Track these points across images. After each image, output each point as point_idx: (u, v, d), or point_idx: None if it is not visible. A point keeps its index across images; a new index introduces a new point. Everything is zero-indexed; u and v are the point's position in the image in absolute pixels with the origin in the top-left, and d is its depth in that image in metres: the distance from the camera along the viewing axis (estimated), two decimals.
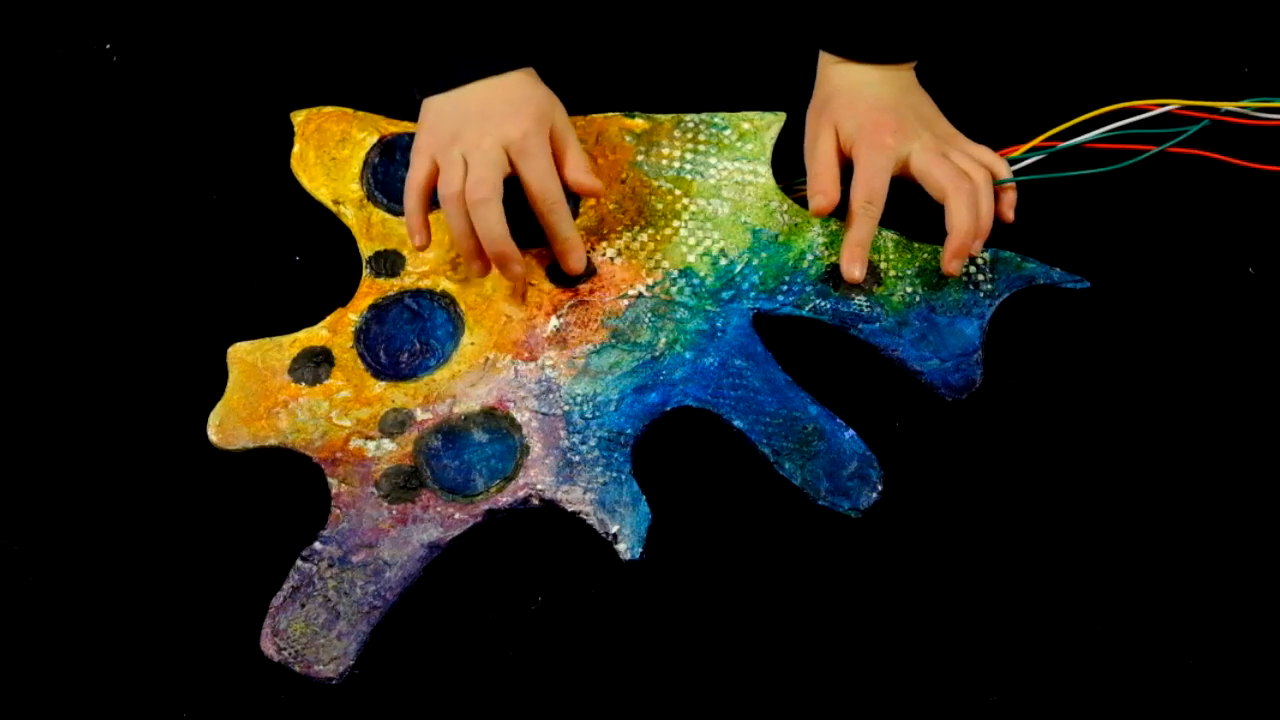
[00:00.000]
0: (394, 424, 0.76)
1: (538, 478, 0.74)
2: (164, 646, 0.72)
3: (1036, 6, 0.91)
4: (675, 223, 0.82)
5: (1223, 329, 0.79)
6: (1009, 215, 0.79)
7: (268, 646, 0.70)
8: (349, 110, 0.86)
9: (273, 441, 0.76)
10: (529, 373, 0.77)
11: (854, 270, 0.77)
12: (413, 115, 0.86)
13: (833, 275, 0.80)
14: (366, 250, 0.82)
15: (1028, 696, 0.69)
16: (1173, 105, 0.85)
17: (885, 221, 0.81)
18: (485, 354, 0.78)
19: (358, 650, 0.70)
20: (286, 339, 0.79)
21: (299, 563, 0.72)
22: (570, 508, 0.73)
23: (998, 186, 0.79)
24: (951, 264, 0.76)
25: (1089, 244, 0.82)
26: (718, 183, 0.83)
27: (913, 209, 0.82)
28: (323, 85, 0.88)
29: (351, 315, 0.80)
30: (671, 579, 0.73)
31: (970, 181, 0.76)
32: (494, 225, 0.75)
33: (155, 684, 0.71)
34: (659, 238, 0.81)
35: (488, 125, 0.76)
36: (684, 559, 0.73)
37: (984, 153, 0.80)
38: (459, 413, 0.76)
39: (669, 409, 0.76)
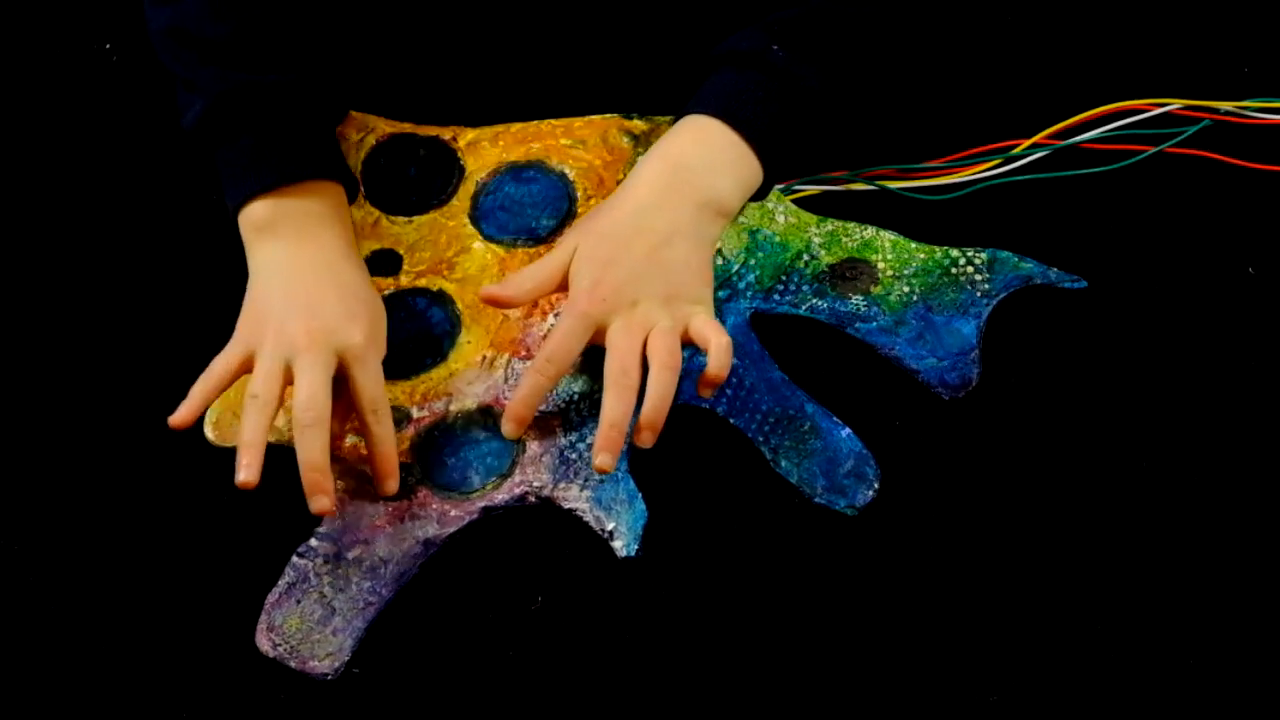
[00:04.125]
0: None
1: (534, 475, 0.74)
2: (160, 642, 0.72)
3: (1036, 6, 0.91)
4: None
5: (1222, 329, 0.79)
6: (705, 393, 0.73)
7: (263, 642, 0.70)
8: (348, 111, 0.87)
9: (269, 439, 0.76)
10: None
11: (508, 427, 0.74)
12: (413, 115, 0.87)
13: (831, 275, 0.80)
14: (364, 249, 0.82)
15: (1027, 696, 0.69)
16: (1172, 105, 0.85)
17: (883, 221, 0.81)
18: (482, 353, 0.78)
19: (353, 646, 0.70)
20: None
21: (295, 558, 0.72)
22: (567, 505, 0.73)
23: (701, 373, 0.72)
24: (597, 457, 0.70)
25: (1088, 244, 0.81)
26: None
27: (913, 208, 0.82)
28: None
29: None
30: (668, 576, 0.73)
31: (630, 378, 0.71)
32: (317, 455, 0.69)
33: (151, 680, 0.71)
34: None
35: (320, 325, 0.71)
36: (680, 557, 0.73)
37: (705, 333, 0.72)
38: (456, 411, 0.76)
39: None
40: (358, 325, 0.72)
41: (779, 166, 0.76)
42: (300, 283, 0.74)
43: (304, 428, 0.70)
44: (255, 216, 0.75)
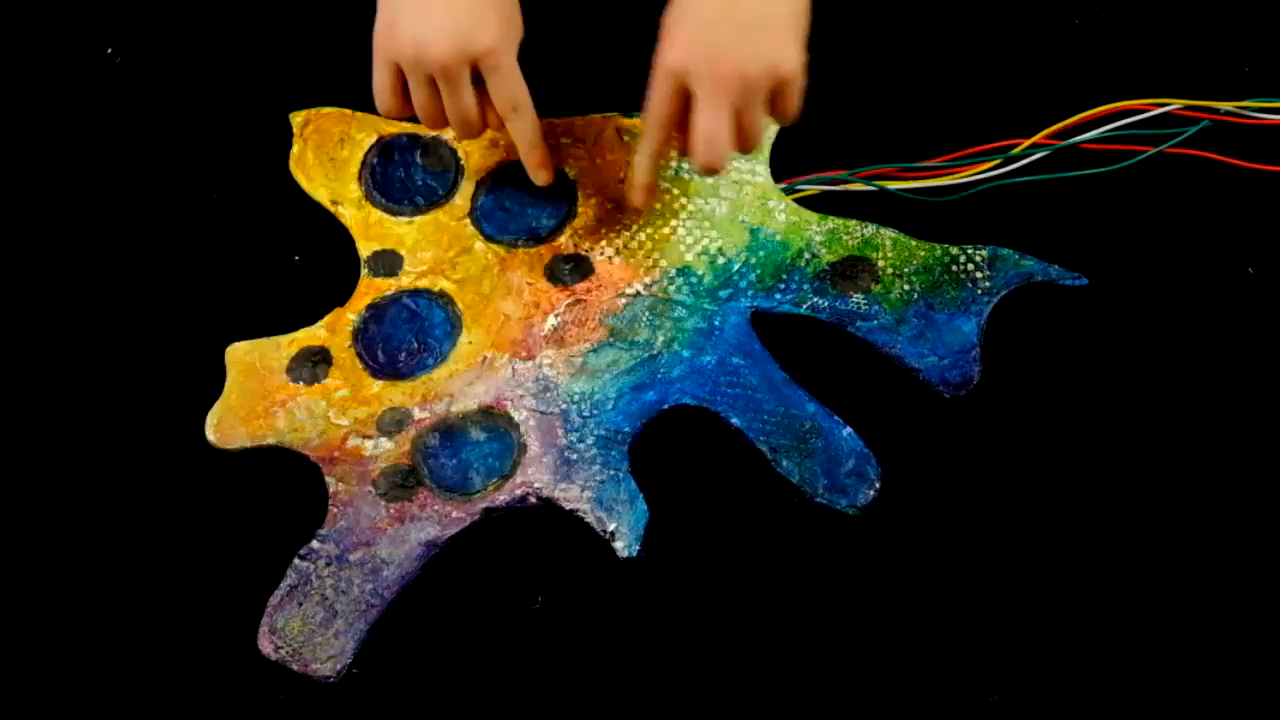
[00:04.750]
0: (392, 423, 0.76)
1: (535, 476, 0.74)
2: (162, 645, 0.72)
3: (1037, 6, 0.91)
4: (673, 222, 0.82)
5: (1222, 329, 0.79)
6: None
7: (265, 645, 0.70)
8: (348, 111, 0.86)
9: (270, 441, 0.76)
10: (526, 371, 0.77)
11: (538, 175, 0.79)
12: (412, 115, 0.86)
13: (831, 274, 0.80)
14: (365, 250, 0.82)
15: (1027, 696, 0.69)
16: (1172, 105, 0.85)
17: (883, 220, 0.81)
18: (483, 353, 0.78)
19: (355, 649, 0.70)
20: (284, 339, 0.79)
21: (296, 561, 0.72)
22: (568, 506, 0.73)
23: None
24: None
25: (1088, 243, 0.81)
26: (715, 182, 0.83)
27: (913, 207, 0.82)
28: (322, 86, 0.88)
29: (349, 315, 0.80)
30: (669, 577, 0.73)
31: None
32: (525, 135, 0.77)
33: (153, 682, 0.71)
34: (657, 237, 0.81)
35: (456, 28, 0.73)
36: (681, 557, 0.73)
37: (751, 128, 0.72)
38: (456, 411, 0.76)
39: (666, 407, 0.76)
40: (487, 29, 0.73)
41: None
42: None
43: (467, 135, 0.77)
44: None
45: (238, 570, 0.73)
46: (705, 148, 0.71)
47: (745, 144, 0.72)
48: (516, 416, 0.76)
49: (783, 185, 0.84)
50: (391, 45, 0.74)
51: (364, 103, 0.87)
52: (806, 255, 0.80)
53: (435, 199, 0.83)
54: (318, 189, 0.84)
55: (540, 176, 0.79)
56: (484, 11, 0.73)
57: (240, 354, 0.78)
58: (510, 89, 0.75)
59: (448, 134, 0.85)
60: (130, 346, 0.81)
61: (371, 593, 0.71)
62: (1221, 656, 0.70)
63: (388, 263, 0.81)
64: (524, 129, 0.77)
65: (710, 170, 0.72)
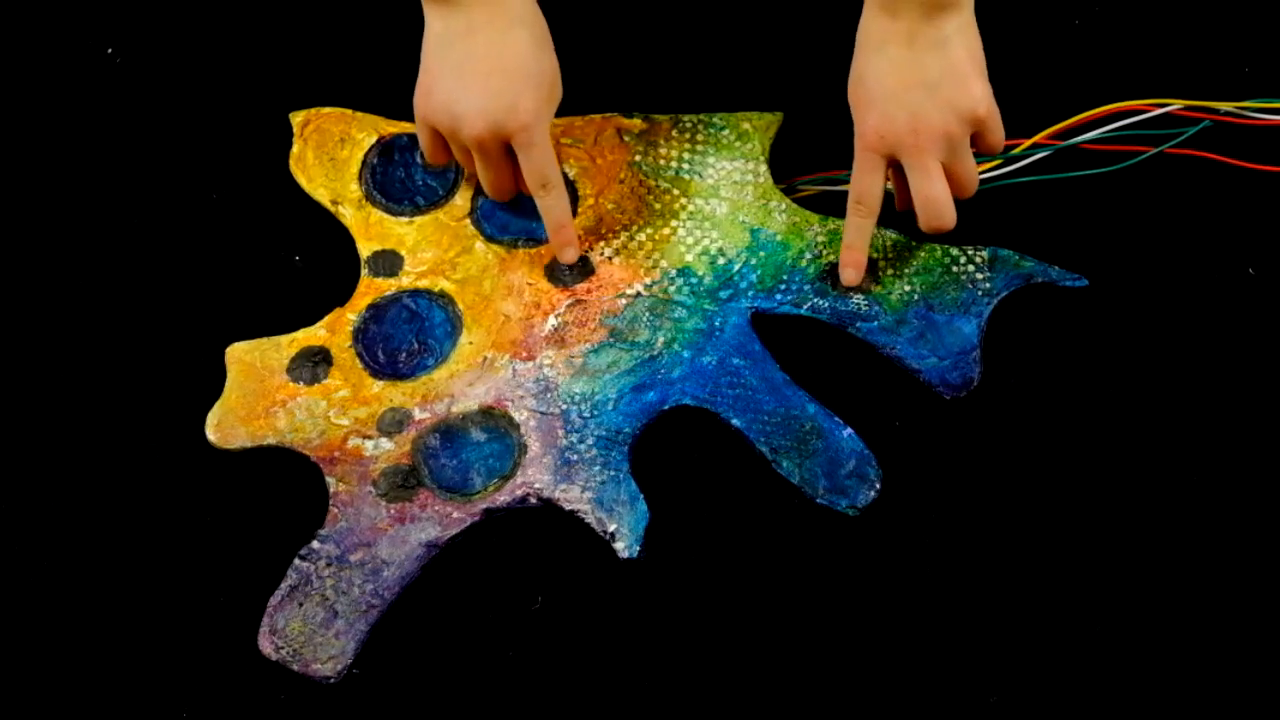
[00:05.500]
0: (392, 423, 0.76)
1: (535, 477, 0.74)
2: (162, 645, 0.72)
3: (1037, 6, 0.91)
4: (673, 222, 0.82)
5: (1222, 329, 0.79)
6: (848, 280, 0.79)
7: (265, 645, 0.70)
8: (348, 111, 0.86)
9: (271, 441, 0.76)
10: (527, 372, 0.77)
11: (848, 274, 0.78)
12: (413, 115, 0.86)
13: (831, 274, 0.80)
14: (365, 250, 0.82)
15: (1027, 696, 0.69)
16: (1172, 105, 0.85)
17: (883, 220, 0.81)
18: (483, 353, 0.78)
19: (356, 649, 0.70)
20: (285, 339, 0.79)
21: (297, 561, 0.72)
22: (568, 507, 0.73)
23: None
24: (843, 272, 0.78)
25: (1088, 244, 0.81)
26: (716, 182, 0.83)
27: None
28: (322, 86, 0.88)
29: (350, 315, 0.80)
30: (670, 578, 0.73)
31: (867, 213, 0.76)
32: (554, 215, 0.77)
33: (153, 683, 0.71)
34: (657, 237, 0.81)
35: (487, 117, 0.74)
36: (682, 558, 0.73)
37: (964, 175, 0.75)
38: (457, 412, 0.76)
39: (667, 408, 0.76)
40: (522, 107, 0.74)
41: None
42: (469, 62, 0.74)
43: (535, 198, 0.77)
44: None
45: (238, 570, 0.73)
46: (931, 211, 0.73)
47: (962, 191, 0.75)
48: (517, 417, 0.76)
49: (783, 185, 0.84)
50: (429, 112, 0.76)
51: (364, 103, 0.87)
52: (807, 256, 0.80)
53: (435, 199, 0.83)
54: (318, 189, 0.84)
55: (566, 255, 0.79)
56: (520, 88, 0.74)
57: (240, 354, 0.78)
58: (541, 167, 0.76)
59: None
60: (130, 346, 0.81)
61: (372, 593, 0.71)
62: (1221, 656, 0.70)
63: (388, 263, 0.81)
64: (552, 206, 0.77)
65: (939, 230, 0.74)
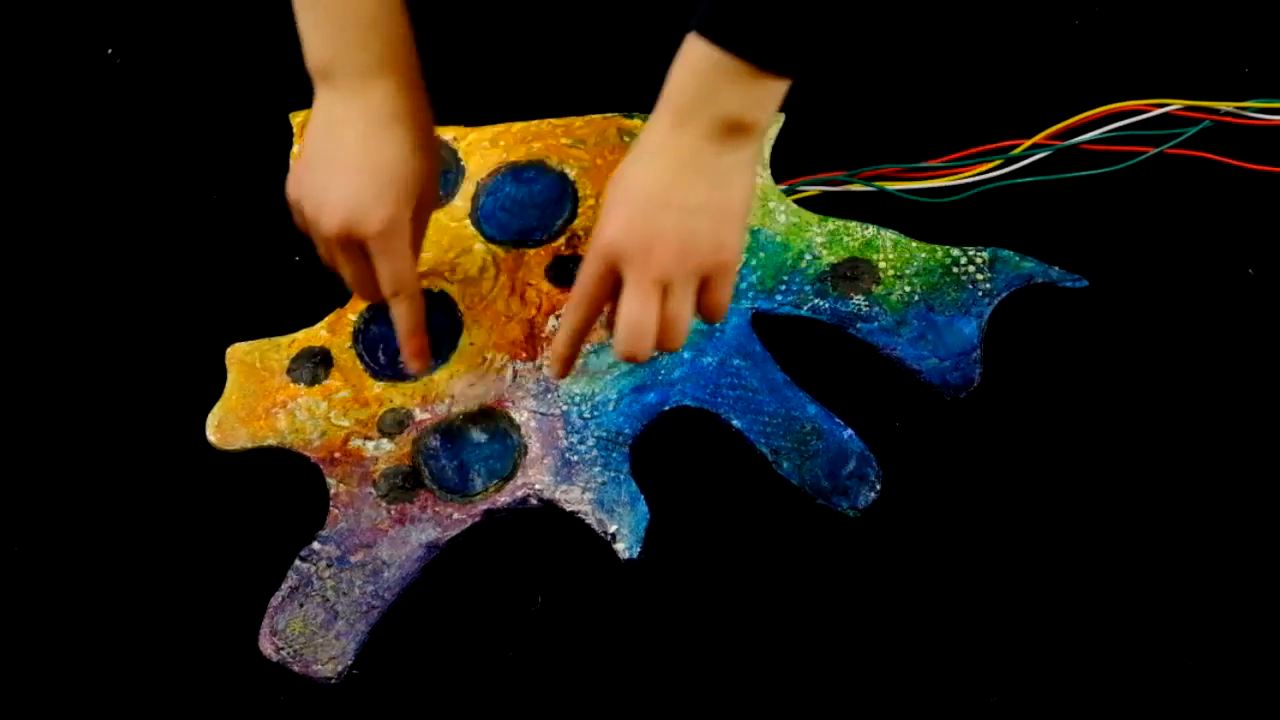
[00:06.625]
0: (392, 424, 0.76)
1: (536, 477, 0.74)
2: (163, 646, 0.72)
3: (1037, 6, 0.91)
4: None
5: (1222, 329, 0.79)
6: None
7: (266, 646, 0.70)
8: None
9: (271, 442, 0.76)
10: (527, 373, 0.77)
11: (553, 370, 0.72)
12: None
13: (831, 275, 0.80)
14: None
15: (1027, 696, 0.69)
16: (1172, 105, 0.85)
17: (884, 221, 0.81)
18: (484, 354, 0.78)
19: (356, 650, 0.70)
20: (285, 339, 0.79)
21: (297, 562, 0.72)
22: (569, 507, 0.73)
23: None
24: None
25: (1088, 244, 0.81)
26: None
27: (914, 208, 0.82)
28: None
29: (350, 316, 0.80)
30: (670, 579, 0.73)
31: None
32: (404, 322, 0.73)
33: (154, 683, 0.71)
34: None
35: (348, 205, 0.69)
36: (682, 559, 0.73)
37: (671, 317, 0.66)
38: (457, 413, 0.76)
39: (667, 408, 0.76)
40: (381, 211, 0.69)
41: (771, 50, 0.64)
42: (341, 155, 0.70)
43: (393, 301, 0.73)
44: (312, 60, 0.72)
45: (239, 571, 0.73)
46: (627, 336, 0.66)
47: (667, 339, 0.67)
48: (517, 418, 0.76)
49: (783, 186, 0.84)
50: (297, 196, 0.72)
51: None
52: (807, 257, 0.80)
53: (435, 199, 0.83)
54: None
55: (414, 365, 0.74)
56: (383, 190, 0.69)
57: (241, 354, 0.78)
58: (394, 274, 0.71)
59: (448, 135, 0.85)
60: (131, 347, 0.81)
61: (372, 594, 0.71)
62: (1221, 656, 0.70)
63: None
64: (403, 314, 0.73)
65: (630, 359, 0.66)
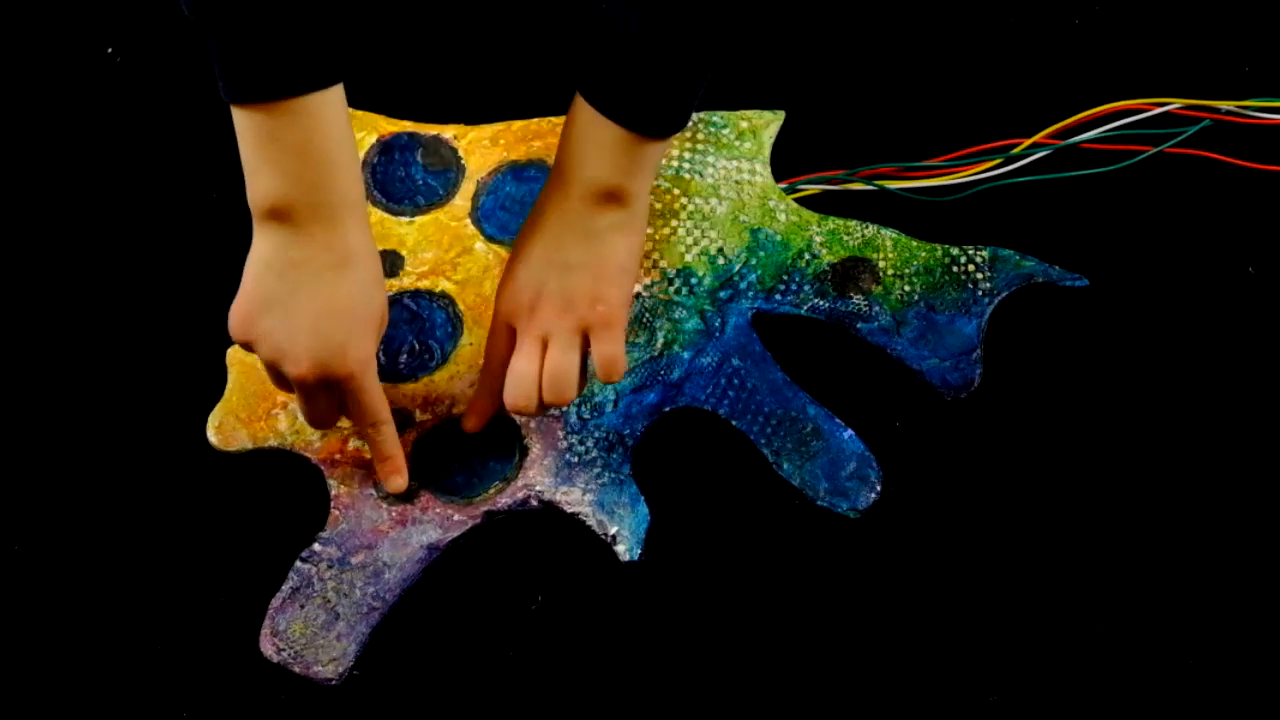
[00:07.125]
0: None
1: (536, 479, 0.74)
2: (164, 647, 0.72)
3: (1037, 6, 0.91)
4: (673, 222, 0.82)
5: (1222, 329, 0.79)
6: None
7: (267, 647, 0.70)
8: (347, 109, 0.86)
9: (272, 443, 0.76)
10: None
11: (469, 423, 0.75)
12: (413, 115, 0.86)
13: (831, 275, 0.80)
14: None
15: (1027, 696, 0.69)
16: (1172, 105, 0.85)
17: (883, 220, 0.81)
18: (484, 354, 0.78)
19: (357, 651, 0.70)
20: None
21: (298, 564, 0.72)
22: (569, 509, 0.73)
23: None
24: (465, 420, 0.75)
25: (1088, 244, 0.81)
26: (716, 182, 0.83)
27: (914, 208, 0.82)
28: None
29: None
30: (670, 580, 0.73)
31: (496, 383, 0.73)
32: (385, 448, 0.73)
33: (155, 684, 0.71)
34: (657, 237, 0.81)
35: (316, 350, 0.68)
36: (683, 560, 0.73)
37: (554, 369, 0.71)
38: (458, 414, 0.76)
39: (667, 409, 0.76)
40: (351, 354, 0.69)
41: (644, 117, 0.67)
42: (298, 299, 0.68)
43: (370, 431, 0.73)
44: (265, 199, 0.69)
45: (239, 573, 0.73)
46: (511, 388, 0.71)
47: (550, 391, 0.70)
48: (517, 419, 0.76)
49: (783, 185, 0.83)
50: (252, 339, 0.69)
51: (363, 102, 0.87)
52: (807, 256, 0.80)
53: (436, 199, 0.83)
54: None
55: (393, 483, 0.74)
56: (350, 331, 0.68)
57: (241, 355, 0.78)
58: (370, 408, 0.71)
59: (448, 133, 0.85)
60: (131, 347, 0.81)
61: (373, 595, 0.71)
62: (1221, 656, 0.70)
63: (388, 263, 0.81)
64: (381, 442, 0.73)
65: (516, 412, 0.71)
